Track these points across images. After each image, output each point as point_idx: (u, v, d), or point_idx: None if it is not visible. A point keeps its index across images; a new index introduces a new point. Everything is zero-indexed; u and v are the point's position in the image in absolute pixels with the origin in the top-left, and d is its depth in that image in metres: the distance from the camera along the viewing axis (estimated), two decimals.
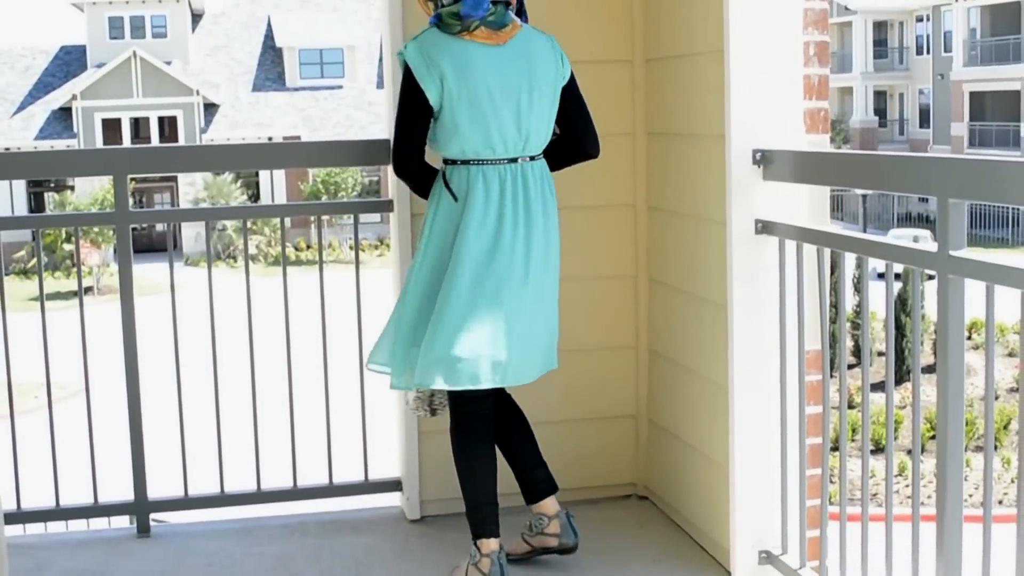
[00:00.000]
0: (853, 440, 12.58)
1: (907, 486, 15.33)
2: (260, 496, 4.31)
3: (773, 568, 3.55)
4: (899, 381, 18.83)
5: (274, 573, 3.84)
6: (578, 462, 4.27)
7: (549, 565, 3.78)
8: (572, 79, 3.60)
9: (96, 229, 32.08)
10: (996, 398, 19.12)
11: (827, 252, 3.25)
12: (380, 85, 40.56)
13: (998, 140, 42.45)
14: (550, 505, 3.75)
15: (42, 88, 42.40)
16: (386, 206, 4.17)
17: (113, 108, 40.87)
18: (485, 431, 3.62)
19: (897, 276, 3.09)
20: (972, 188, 2.64)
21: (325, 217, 4.44)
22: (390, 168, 3.68)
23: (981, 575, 2.65)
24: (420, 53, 3.45)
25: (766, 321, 3.49)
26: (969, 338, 21.37)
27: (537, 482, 3.76)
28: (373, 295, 4.34)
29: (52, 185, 39.88)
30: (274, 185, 40.48)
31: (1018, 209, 34.12)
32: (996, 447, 17.04)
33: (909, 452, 15.88)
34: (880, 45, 50.36)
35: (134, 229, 4.11)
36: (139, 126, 41.46)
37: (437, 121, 3.50)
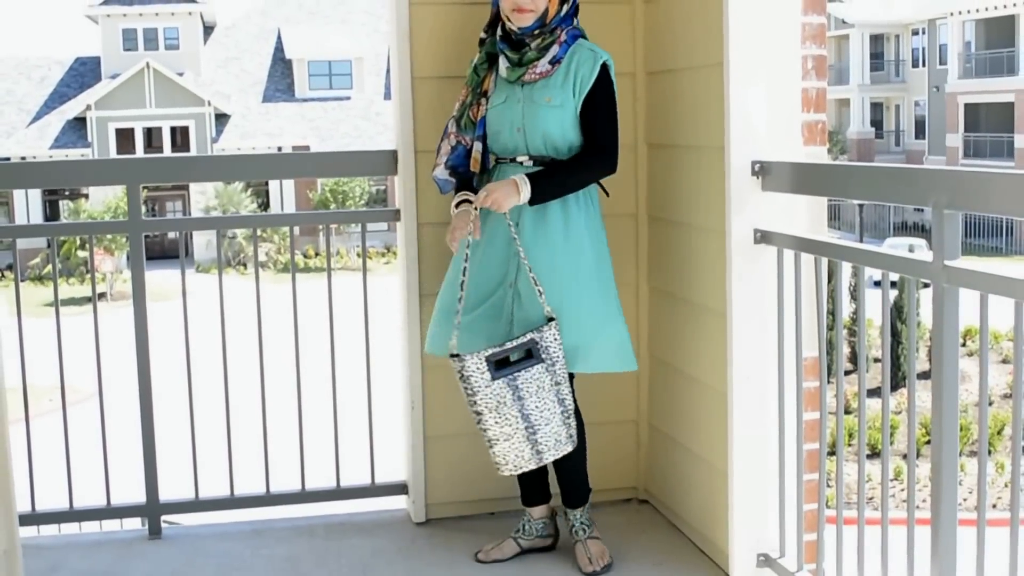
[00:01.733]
0: (850, 445, 12.57)
1: (902, 490, 15.31)
2: (269, 499, 4.31)
3: (771, 571, 3.54)
4: (895, 387, 18.84)
5: (282, 574, 3.84)
6: None
7: (548, 569, 3.78)
8: None
9: (109, 236, 32.11)
10: (990, 404, 19.12)
11: (824, 261, 3.25)
12: (387, 96, 40.54)
13: (992, 151, 42.42)
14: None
15: (57, 98, 42.46)
16: (394, 215, 4.18)
17: (127, 118, 40.92)
18: None
19: (893, 284, 3.09)
20: (966, 199, 2.64)
21: (333, 225, 4.44)
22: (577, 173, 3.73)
23: None
24: None
25: (764, 328, 3.48)
26: (963, 345, 21.36)
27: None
28: (380, 301, 4.34)
29: (67, 193, 39.93)
30: (283, 193, 40.52)
31: (1011, 219, 34.11)
32: (990, 452, 17.06)
33: (905, 457, 15.86)
34: (877, 58, 50.34)
35: (147, 236, 4.11)
36: (152, 136, 41.51)
37: None
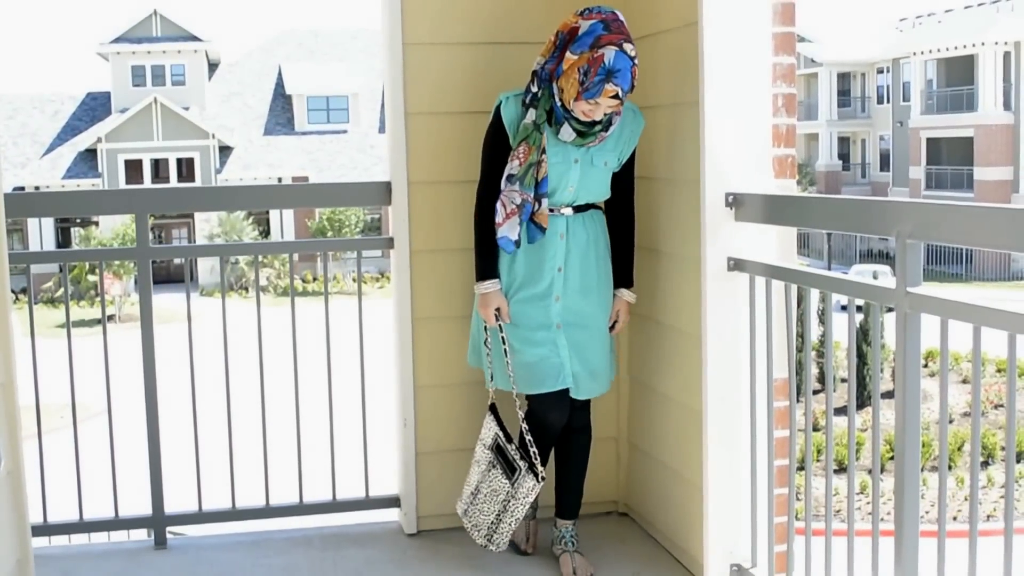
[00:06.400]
0: (818, 461, 12.57)
1: (868, 503, 15.31)
2: (269, 511, 4.30)
3: None
4: (860, 406, 18.84)
5: None
6: None
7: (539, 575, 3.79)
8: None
9: (118, 262, 32.04)
10: (950, 422, 19.14)
11: (794, 287, 3.26)
12: (382, 130, 40.54)
13: (953, 183, 42.62)
14: None
15: (70, 131, 42.45)
16: (388, 243, 4.18)
17: (135, 150, 40.92)
18: None
19: (859, 308, 3.10)
20: (928, 230, 2.65)
21: (330, 252, 4.45)
22: None
23: None
24: None
25: (737, 351, 3.49)
26: (925, 366, 21.39)
27: None
28: (374, 324, 4.35)
29: (78, 221, 39.84)
30: (283, 221, 40.48)
31: (970, 248, 34.11)
32: (950, 468, 17.07)
33: (870, 472, 15.86)
34: (844, 95, 50.57)
35: (153, 262, 4.12)
36: (159, 167, 41.49)
37: None
